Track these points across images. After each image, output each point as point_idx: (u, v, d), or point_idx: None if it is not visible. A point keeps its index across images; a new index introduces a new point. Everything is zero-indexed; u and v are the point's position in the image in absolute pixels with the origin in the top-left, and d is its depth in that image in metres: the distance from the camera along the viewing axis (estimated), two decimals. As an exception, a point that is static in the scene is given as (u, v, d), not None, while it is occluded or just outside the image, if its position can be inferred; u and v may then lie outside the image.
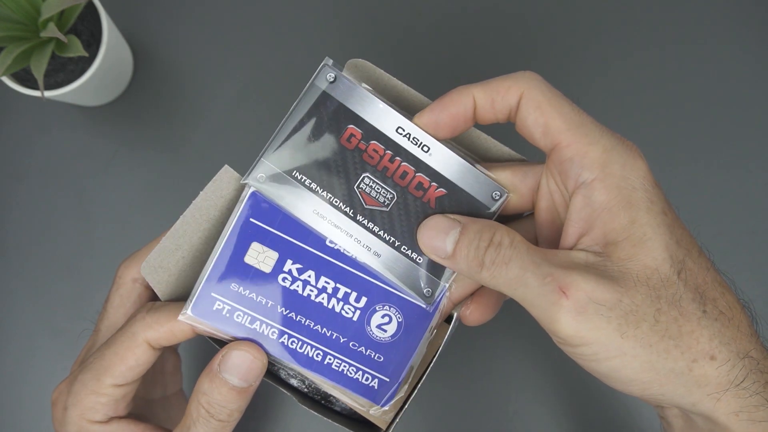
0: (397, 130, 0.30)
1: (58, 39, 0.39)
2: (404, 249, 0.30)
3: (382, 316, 0.32)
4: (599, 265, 0.25)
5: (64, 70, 0.43)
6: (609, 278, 0.24)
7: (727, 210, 0.47)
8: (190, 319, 0.29)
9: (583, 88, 0.48)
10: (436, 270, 0.30)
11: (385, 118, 0.30)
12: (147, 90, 0.49)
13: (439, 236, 0.28)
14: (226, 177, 0.30)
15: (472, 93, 0.27)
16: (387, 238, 0.30)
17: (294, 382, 0.32)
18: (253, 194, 0.30)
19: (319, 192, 0.30)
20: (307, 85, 0.30)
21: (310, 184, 0.30)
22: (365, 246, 0.31)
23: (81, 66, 0.43)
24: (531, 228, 0.30)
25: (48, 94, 0.41)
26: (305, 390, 0.32)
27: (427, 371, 0.31)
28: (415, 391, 0.31)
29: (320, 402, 0.33)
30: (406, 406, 0.31)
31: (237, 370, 0.28)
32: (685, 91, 0.49)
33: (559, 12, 0.50)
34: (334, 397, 0.32)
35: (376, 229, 0.30)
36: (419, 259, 0.30)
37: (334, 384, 0.31)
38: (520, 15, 0.50)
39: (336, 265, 0.31)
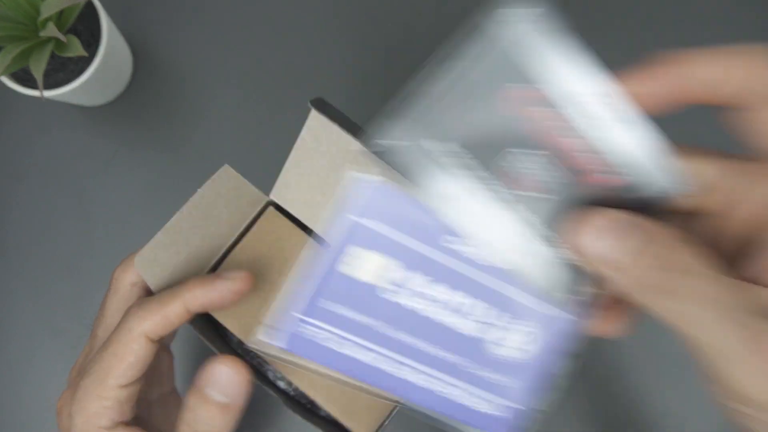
0: (578, 97, 0.22)
1: (58, 39, 0.39)
2: (560, 245, 0.23)
3: (517, 334, 0.25)
4: None
5: (63, 70, 0.43)
6: None
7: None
8: (261, 344, 0.24)
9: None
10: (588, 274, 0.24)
11: (566, 80, 0.22)
12: (147, 90, 0.49)
13: (609, 238, 0.21)
14: (225, 176, 0.30)
15: (699, 65, 0.21)
16: (540, 231, 0.23)
17: (281, 384, 0.32)
18: (356, 183, 0.24)
19: (460, 168, 0.23)
20: (470, 29, 0.22)
21: (452, 157, 0.23)
22: (509, 240, 0.23)
23: (81, 66, 0.42)
24: (699, 232, 0.24)
25: (47, 93, 0.41)
26: (292, 393, 0.32)
27: None
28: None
29: (306, 406, 0.32)
30: (386, 422, 0.30)
31: (218, 385, 0.28)
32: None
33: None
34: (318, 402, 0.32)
35: (527, 218, 0.23)
36: (574, 260, 0.23)
37: (456, 420, 0.25)
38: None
39: (456, 271, 0.24)
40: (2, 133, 0.49)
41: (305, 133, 0.29)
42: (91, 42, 0.43)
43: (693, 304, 0.20)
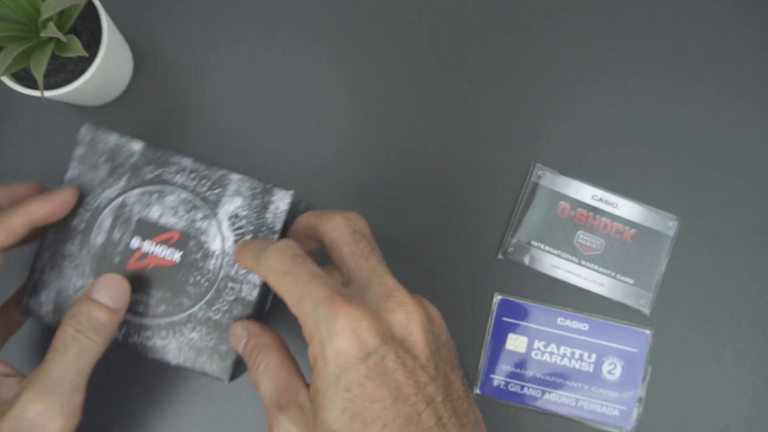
0: (592, 198, 0.44)
1: (58, 39, 0.39)
2: (619, 277, 0.44)
3: (609, 364, 0.44)
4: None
5: (64, 70, 0.43)
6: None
7: (728, 210, 0.47)
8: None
9: (586, 88, 0.48)
10: (646, 286, 0.44)
11: (582, 192, 0.44)
12: (147, 90, 0.49)
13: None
14: None
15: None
16: (605, 272, 0.44)
17: (136, 338, 0.36)
18: (500, 300, 0.44)
19: (552, 251, 0.44)
20: (526, 183, 0.45)
21: (544, 247, 0.44)
22: (591, 280, 0.44)
23: (81, 66, 0.42)
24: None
25: (48, 94, 0.41)
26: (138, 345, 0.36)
27: None
28: None
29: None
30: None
31: (107, 289, 0.34)
32: (684, 90, 0.49)
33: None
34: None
35: (595, 267, 0.44)
36: (630, 281, 0.44)
37: (589, 420, 0.44)
38: (523, 20, 0.49)
39: (568, 336, 0.44)
40: (2, 133, 0.49)
41: None
42: (91, 42, 0.43)
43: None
